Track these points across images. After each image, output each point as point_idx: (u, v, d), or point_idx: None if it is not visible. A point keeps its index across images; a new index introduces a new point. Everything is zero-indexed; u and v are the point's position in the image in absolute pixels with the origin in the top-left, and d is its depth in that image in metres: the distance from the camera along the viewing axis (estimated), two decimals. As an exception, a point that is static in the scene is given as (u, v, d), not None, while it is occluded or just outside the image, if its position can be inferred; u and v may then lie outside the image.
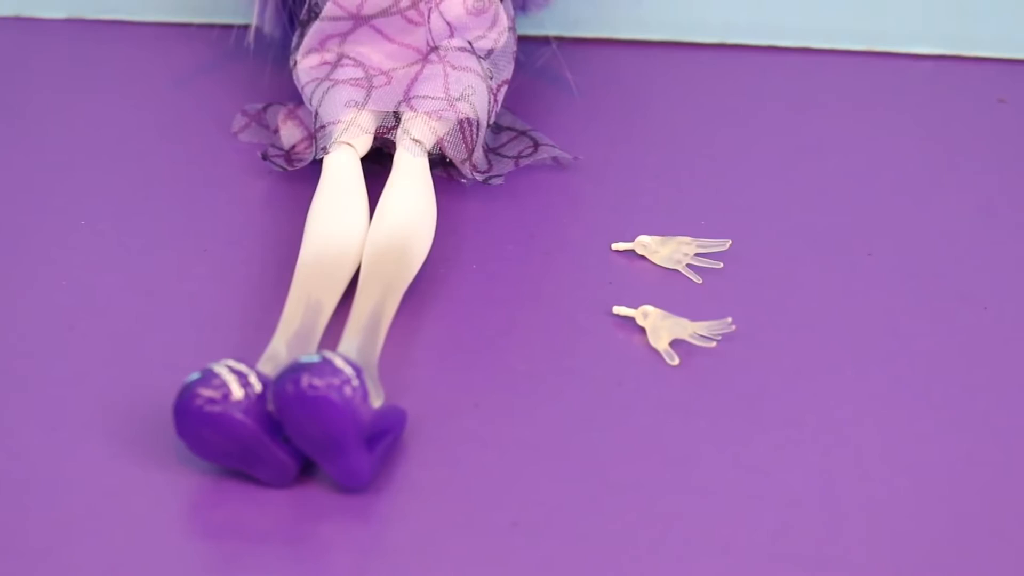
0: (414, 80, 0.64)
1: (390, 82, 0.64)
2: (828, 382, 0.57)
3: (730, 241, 0.62)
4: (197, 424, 0.52)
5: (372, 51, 0.65)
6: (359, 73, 0.65)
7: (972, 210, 0.65)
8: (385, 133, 0.64)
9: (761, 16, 0.73)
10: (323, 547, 0.52)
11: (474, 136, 0.64)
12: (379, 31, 0.65)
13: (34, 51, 0.73)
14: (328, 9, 0.65)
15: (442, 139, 0.63)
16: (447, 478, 0.54)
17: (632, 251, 0.62)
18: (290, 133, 0.67)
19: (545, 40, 0.72)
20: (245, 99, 0.70)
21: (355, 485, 0.53)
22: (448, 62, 0.64)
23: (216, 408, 0.52)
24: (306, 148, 0.66)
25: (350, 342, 0.56)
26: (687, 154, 0.67)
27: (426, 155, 0.63)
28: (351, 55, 0.65)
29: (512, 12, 0.66)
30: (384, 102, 0.64)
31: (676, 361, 0.58)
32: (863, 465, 0.54)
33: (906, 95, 0.71)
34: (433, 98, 0.63)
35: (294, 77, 0.66)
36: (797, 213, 0.64)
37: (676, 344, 0.58)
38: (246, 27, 0.71)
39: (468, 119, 0.63)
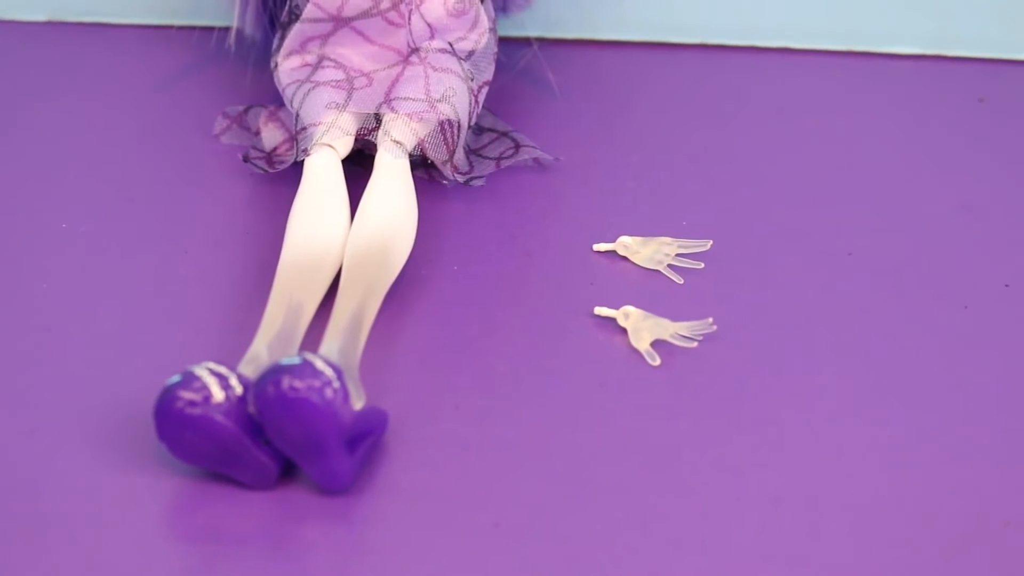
0: (395, 82, 0.64)
1: (371, 84, 0.64)
2: (809, 382, 0.57)
3: (711, 241, 0.62)
4: (177, 427, 0.52)
5: (353, 53, 0.65)
6: (340, 75, 0.65)
7: (952, 209, 0.65)
8: (366, 135, 0.64)
9: (741, 17, 0.73)
10: (305, 549, 0.52)
11: (455, 137, 0.64)
12: (360, 33, 0.65)
13: (14, 54, 0.73)
14: (308, 11, 0.65)
15: (423, 141, 0.63)
16: (428, 479, 0.54)
17: (613, 252, 0.62)
18: (271, 135, 0.67)
19: (526, 41, 0.72)
20: (226, 101, 0.69)
21: (336, 487, 0.53)
22: (429, 64, 0.64)
23: (196, 411, 0.52)
24: (287, 150, 0.66)
25: (331, 344, 0.56)
26: (668, 155, 0.67)
27: (407, 157, 0.63)
28: (332, 57, 0.65)
29: (493, 13, 0.67)
30: (365, 104, 0.64)
31: (657, 362, 0.58)
32: (844, 464, 0.54)
33: (886, 94, 0.71)
34: (414, 100, 0.63)
35: (275, 79, 0.66)
36: (778, 213, 0.64)
37: (657, 344, 0.58)
38: (227, 29, 0.71)
39: (449, 120, 0.63)
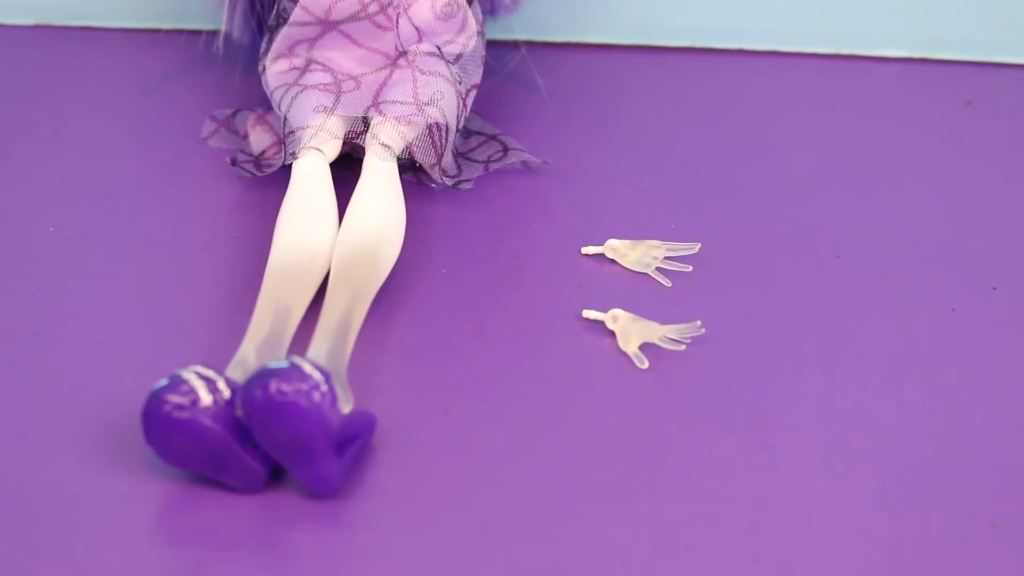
0: (383, 85, 0.64)
1: (359, 87, 0.64)
2: (797, 384, 0.57)
3: (699, 244, 0.62)
4: (165, 430, 0.52)
5: (341, 56, 0.65)
6: (328, 78, 0.65)
7: (939, 212, 0.65)
8: (354, 138, 0.64)
9: (729, 20, 0.73)
10: (293, 553, 0.52)
11: (443, 140, 0.64)
12: (348, 36, 0.65)
13: (2, 57, 0.73)
14: (296, 14, 0.65)
15: (411, 144, 0.63)
16: (417, 483, 0.54)
17: (602, 255, 0.62)
18: (259, 139, 0.67)
19: (514, 44, 0.72)
20: (214, 105, 0.69)
21: (324, 491, 0.53)
22: (417, 67, 0.64)
23: (184, 414, 0.52)
24: (275, 153, 0.66)
25: (319, 347, 0.56)
26: (656, 157, 0.67)
27: (395, 160, 0.63)
28: (320, 60, 0.65)
29: (481, 16, 0.67)
30: (353, 107, 0.64)
31: (646, 364, 0.58)
32: (832, 466, 0.54)
33: (873, 97, 0.71)
34: (402, 103, 0.63)
35: (263, 82, 0.66)
36: (765, 216, 0.64)
37: (646, 347, 0.58)
38: (215, 33, 0.71)
39: (437, 124, 0.63)
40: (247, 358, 0.55)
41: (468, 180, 0.65)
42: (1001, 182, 0.66)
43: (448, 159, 0.64)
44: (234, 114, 0.69)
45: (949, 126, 0.69)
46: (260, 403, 0.52)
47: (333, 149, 0.63)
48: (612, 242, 0.62)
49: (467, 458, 0.54)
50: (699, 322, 0.59)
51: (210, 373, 0.53)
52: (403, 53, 0.65)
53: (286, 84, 0.65)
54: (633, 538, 0.52)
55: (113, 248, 0.63)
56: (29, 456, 0.54)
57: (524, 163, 0.66)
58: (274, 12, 0.66)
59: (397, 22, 0.65)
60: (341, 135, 0.64)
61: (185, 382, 0.52)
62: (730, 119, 0.69)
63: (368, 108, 0.63)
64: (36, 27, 0.74)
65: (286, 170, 0.63)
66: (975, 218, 0.65)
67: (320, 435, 0.52)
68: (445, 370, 0.58)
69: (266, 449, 0.52)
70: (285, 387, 0.51)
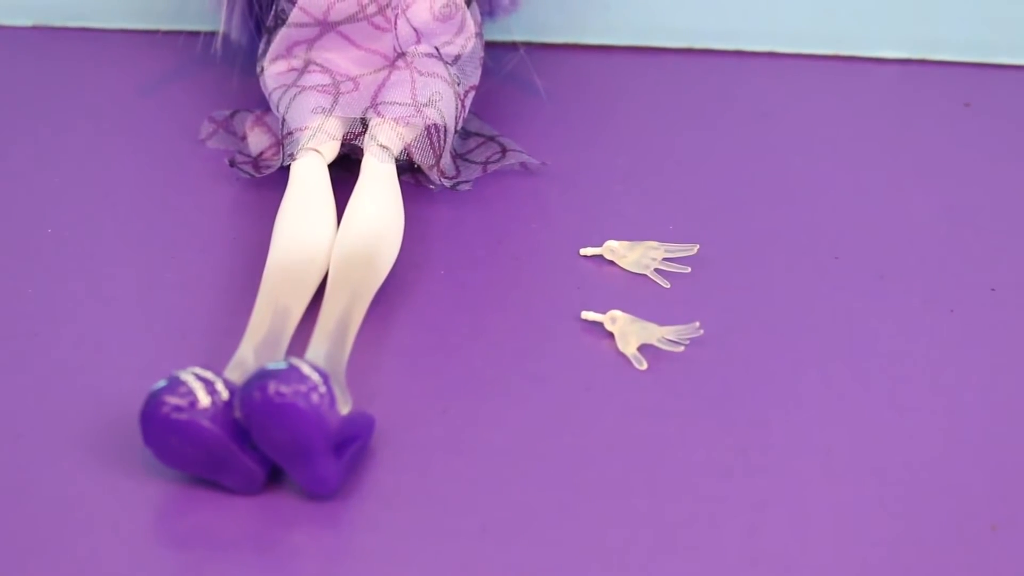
0: (381, 86, 0.64)
1: (357, 88, 0.64)
2: (796, 385, 0.57)
3: (697, 246, 0.62)
4: (164, 432, 0.52)
5: (339, 57, 0.65)
6: (326, 79, 0.65)
7: (938, 213, 0.65)
8: (352, 139, 0.64)
9: (727, 21, 0.73)
10: (291, 554, 0.52)
11: (442, 142, 0.64)
12: (346, 37, 0.65)
13: (0, 58, 0.73)
14: (295, 15, 0.65)
15: (409, 145, 0.63)
16: (416, 484, 0.54)
17: (600, 256, 0.62)
18: (258, 140, 0.67)
19: (513, 45, 0.72)
20: (212, 106, 0.69)
21: (323, 492, 0.53)
22: (415, 68, 0.64)
23: (182, 416, 0.52)
24: (274, 154, 0.66)
25: (318, 348, 0.56)
26: (655, 159, 0.67)
27: (393, 161, 0.63)
28: (318, 61, 0.65)
29: (479, 18, 0.67)
30: (351, 108, 0.64)
31: (644, 365, 0.58)
32: (830, 467, 0.54)
33: (872, 99, 0.71)
34: (400, 104, 0.63)
35: (261, 83, 0.66)
36: (764, 217, 0.64)
37: (644, 348, 0.58)
38: (213, 34, 0.71)
39: (435, 125, 0.63)
40: (245, 359, 0.55)
41: (466, 181, 0.65)
42: (1000, 183, 0.66)
43: (446, 160, 0.64)
44: (232, 115, 0.69)
45: (948, 127, 0.69)
46: (258, 404, 0.51)
47: (331, 150, 0.63)
48: (611, 243, 0.62)
49: (466, 459, 0.54)
50: (697, 323, 0.59)
51: (208, 374, 0.53)
52: (401, 54, 0.65)
53: (284, 85, 0.65)
54: (632, 539, 0.52)
55: (111, 249, 0.63)
56: (27, 457, 0.54)
57: (523, 164, 0.66)
58: (272, 13, 0.66)
59: (395, 23, 0.65)
60: (339, 136, 0.63)
61: (183, 383, 0.52)
62: (729, 120, 0.69)
63: (366, 109, 0.63)
64: (34, 28, 0.74)
65: (284, 171, 0.63)
66: (974, 219, 0.65)
67: (318, 436, 0.52)
68: (444, 371, 0.58)
69: (264, 450, 0.52)
70: (283, 388, 0.51)
